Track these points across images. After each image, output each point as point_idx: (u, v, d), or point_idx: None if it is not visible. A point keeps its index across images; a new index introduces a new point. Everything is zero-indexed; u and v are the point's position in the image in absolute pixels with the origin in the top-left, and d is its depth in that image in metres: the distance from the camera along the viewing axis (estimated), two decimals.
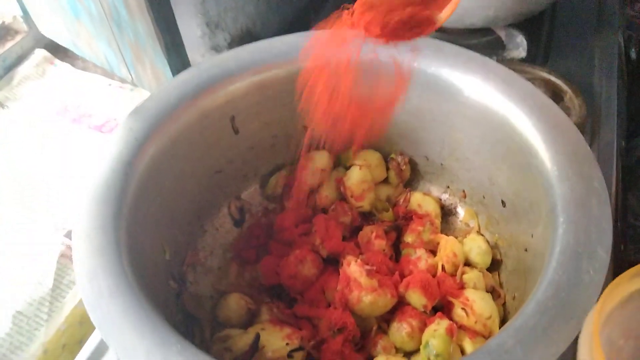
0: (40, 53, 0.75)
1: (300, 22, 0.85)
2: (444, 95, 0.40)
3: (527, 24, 0.67)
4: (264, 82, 0.42)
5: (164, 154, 0.38)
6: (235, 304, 0.39)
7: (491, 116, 0.38)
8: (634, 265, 0.29)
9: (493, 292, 0.40)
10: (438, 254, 0.42)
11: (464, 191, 0.46)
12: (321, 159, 0.47)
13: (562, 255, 0.29)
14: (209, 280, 0.43)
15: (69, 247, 0.56)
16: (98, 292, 0.28)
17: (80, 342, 0.54)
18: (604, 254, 0.28)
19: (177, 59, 0.58)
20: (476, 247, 0.41)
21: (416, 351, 0.38)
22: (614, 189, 0.53)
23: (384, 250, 0.42)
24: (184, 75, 0.40)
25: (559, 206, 0.32)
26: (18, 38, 0.75)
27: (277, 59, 0.42)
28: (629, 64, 0.69)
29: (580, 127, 0.52)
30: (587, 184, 0.32)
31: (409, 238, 0.43)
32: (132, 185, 0.34)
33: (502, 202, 0.41)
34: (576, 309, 0.27)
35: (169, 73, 0.59)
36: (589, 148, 0.33)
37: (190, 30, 0.69)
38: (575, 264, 0.29)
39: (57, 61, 0.76)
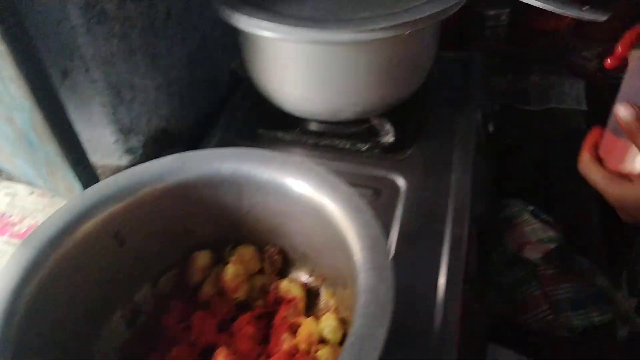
0: None
1: (217, 112, 0.92)
2: (280, 195, 0.50)
3: (399, 111, 0.77)
4: (141, 200, 0.50)
5: (52, 278, 0.44)
6: None
7: (313, 208, 0.47)
8: None
9: None
10: (298, 335, 0.49)
11: (323, 274, 0.54)
12: (203, 258, 0.54)
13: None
14: None
15: None
16: None
17: None
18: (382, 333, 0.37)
19: (84, 173, 0.66)
20: (328, 326, 0.49)
21: None
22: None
23: (253, 337, 0.49)
24: (68, 205, 0.48)
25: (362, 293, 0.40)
26: None
27: (152, 179, 0.51)
28: (488, 137, 0.80)
29: None
30: (379, 273, 0.40)
31: (277, 322, 0.51)
32: (18, 313, 0.41)
33: (344, 283, 0.49)
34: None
35: (79, 185, 0.67)
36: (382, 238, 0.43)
37: (104, 137, 0.76)
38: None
39: None
